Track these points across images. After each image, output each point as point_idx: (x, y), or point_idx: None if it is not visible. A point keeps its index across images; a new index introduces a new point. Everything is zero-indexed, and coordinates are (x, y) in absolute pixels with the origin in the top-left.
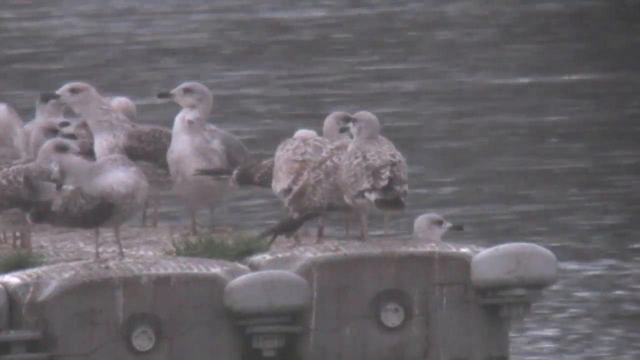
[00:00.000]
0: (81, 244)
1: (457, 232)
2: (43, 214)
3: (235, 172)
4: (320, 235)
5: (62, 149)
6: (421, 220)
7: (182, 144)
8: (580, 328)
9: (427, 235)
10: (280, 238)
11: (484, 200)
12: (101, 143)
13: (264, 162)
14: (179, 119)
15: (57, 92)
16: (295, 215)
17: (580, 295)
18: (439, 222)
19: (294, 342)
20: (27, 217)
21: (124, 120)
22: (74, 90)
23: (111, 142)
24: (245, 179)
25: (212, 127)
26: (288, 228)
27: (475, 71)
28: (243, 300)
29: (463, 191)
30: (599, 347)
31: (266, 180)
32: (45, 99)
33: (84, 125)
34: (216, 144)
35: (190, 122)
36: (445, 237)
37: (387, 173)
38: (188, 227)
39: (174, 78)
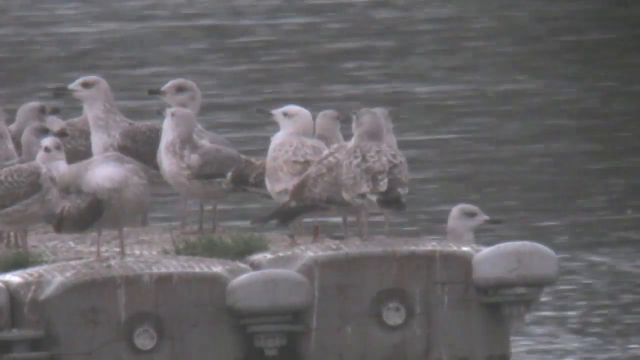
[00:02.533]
0: (71, 244)
1: (494, 225)
2: (57, 222)
3: (229, 173)
4: (316, 234)
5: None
6: (453, 210)
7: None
8: (582, 328)
9: (456, 226)
10: (279, 238)
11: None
12: (97, 142)
13: (258, 162)
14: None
15: (70, 86)
16: (293, 204)
17: (582, 294)
18: (472, 214)
19: (295, 341)
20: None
21: (123, 120)
22: (85, 84)
23: (106, 142)
24: (240, 180)
25: (200, 127)
26: (284, 215)
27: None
28: (245, 299)
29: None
30: (601, 346)
31: (261, 180)
32: (58, 94)
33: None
34: (204, 143)
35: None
36: (480, 231)
37: (386, 179)
38: (178, 227)
39: None
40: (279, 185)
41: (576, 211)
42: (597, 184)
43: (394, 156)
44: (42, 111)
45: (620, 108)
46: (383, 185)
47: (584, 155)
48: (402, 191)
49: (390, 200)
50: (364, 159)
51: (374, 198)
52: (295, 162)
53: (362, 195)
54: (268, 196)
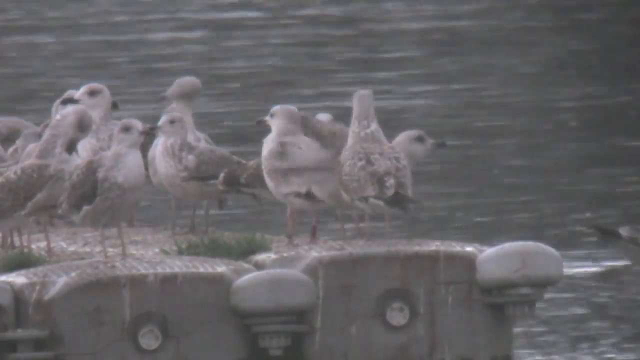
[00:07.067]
0: (64, 244)
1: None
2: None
3: (221, 174)
4: (314, 234)
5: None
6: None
7: (158, 145)
8: (584, 328)
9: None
10: (275, 238)
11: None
12: (85, 145)
13: (250, 163)
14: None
15: (76, 95)
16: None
17: (585, 294)
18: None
19: (300, 341)
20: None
21: (114, 124)
22: (91, 93)
23: (94, 146)
24: (231, 180)
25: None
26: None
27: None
28: (249, 299)
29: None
30: (604, 347)
31: (252, 180)
32: (65, 103)
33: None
34: (200, 144)
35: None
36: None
37: (392, 181)
38: (169, 227)
39: None
40: (288, 187)
41: None
42: None
43: (397, 159)
44: None
45: None
46: (390, 189)
47: None
48: (407, 195)
49: (397, 200)
50: (368, 161)
51: (380, 203)
52: None
53: (365, 199)
54: (258, 197)
